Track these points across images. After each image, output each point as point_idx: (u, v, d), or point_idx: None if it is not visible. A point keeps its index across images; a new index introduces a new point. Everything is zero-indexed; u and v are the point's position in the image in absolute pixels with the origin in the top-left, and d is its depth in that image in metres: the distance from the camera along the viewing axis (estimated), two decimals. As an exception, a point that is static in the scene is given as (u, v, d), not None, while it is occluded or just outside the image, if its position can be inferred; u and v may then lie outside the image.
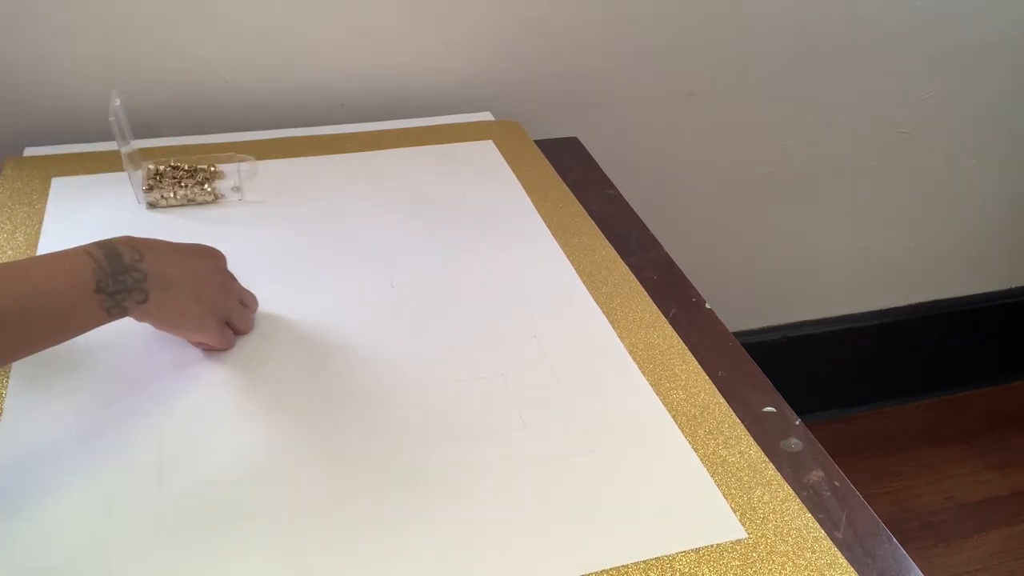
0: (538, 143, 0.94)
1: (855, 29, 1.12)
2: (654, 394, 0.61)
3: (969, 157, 1.33)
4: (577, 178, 0.88)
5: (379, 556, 0.49)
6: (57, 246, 0.70)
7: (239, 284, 0.64)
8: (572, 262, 0.75)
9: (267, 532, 0.49)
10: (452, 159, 0.89)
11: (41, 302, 0.50)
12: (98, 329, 0.62)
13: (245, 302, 0.64)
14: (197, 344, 0.62)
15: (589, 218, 0.81)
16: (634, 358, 0.65)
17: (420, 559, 0.49)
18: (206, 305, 0.59)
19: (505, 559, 0.49)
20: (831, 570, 0.50)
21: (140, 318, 0.56)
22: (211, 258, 0.62)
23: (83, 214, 0.76)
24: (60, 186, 0.79)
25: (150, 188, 0.78)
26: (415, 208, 0.80)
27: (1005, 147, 1.35)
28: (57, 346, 0.61)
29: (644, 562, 0.49)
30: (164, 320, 0.58)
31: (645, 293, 0.72)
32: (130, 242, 0.54)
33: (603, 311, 0.69)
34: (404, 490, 0.53)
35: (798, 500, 0.54)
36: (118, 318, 0.53)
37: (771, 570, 0.50)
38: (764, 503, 0.54)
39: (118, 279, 0.52)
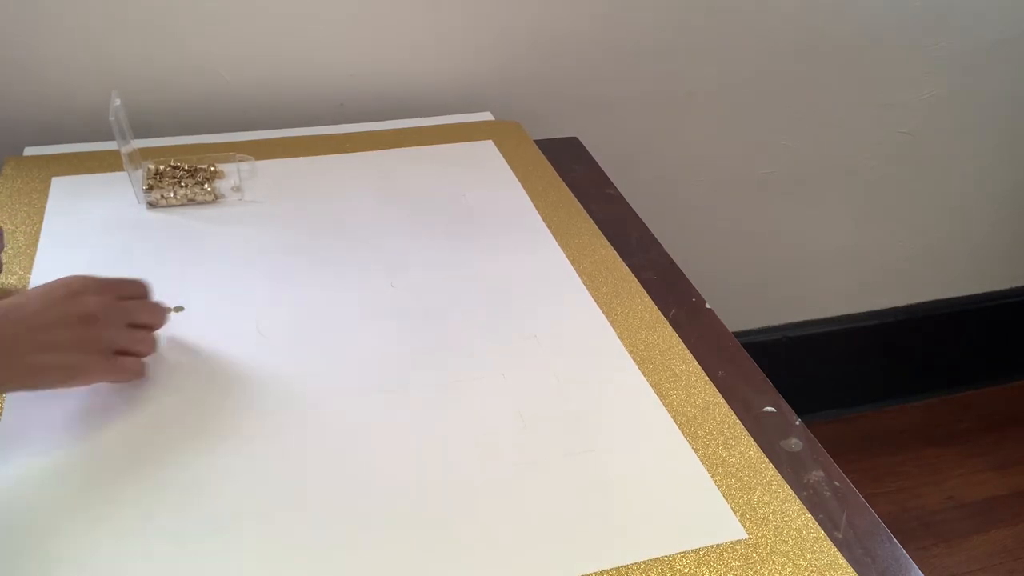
0: (538, 143, 0.94)
1: (855, 29, 1.12)
2: (654, 394, 0.61)
3: (969, 157, 1.33)
4: (577, 178, 0.88)
5: (378, 555, 0.49)
6: (57, 246, 0.71)
7: (124, 305, 0.58)
8: (572, 262, 0.75)
9: (267, 531, 0.49)
10: (452, 159, 0.89)
11: None
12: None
13: (141, 322, 0.59)
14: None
15: (589, 218, 0.81)
16: (634, 358, 0.65)
17: (419, 559, 0.49)
18: (63, 351, 0.53)
19: (505, 559, 0.49)
20: (831, 570, 0.50)
21: None
22: (61, 297, 0.55)
23: (83, 214, 0.76)
24: (60, 186, 0.79)
25: (150, 188, 0.78)
26: (415, 208, 0.80)
27: (1005, 147, 1.35)
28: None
29: (644, 562, 0.49)
30: (14, 387, 0.52)
31: (645, 293, 0.72)
32: None
33: (603, 311, 0.69)
34: (403, 490, 0.53)
35: (798, 500, 0.54)
36: None
37: (771, 570, 0.49)
38: (764, 503, 0.54)
39: None
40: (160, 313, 0.61)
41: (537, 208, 0.82)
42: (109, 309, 0.56)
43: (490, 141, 0.93)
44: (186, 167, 0.81)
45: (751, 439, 0.58)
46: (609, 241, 0.78)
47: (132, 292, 0.60)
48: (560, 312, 0.69)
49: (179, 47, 0.89)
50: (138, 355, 0.58)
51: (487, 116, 0.99)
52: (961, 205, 1.40)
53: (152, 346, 0.59)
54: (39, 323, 0.53)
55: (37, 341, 0.52)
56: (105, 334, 0.56)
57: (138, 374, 0.58)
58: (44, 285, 0.55)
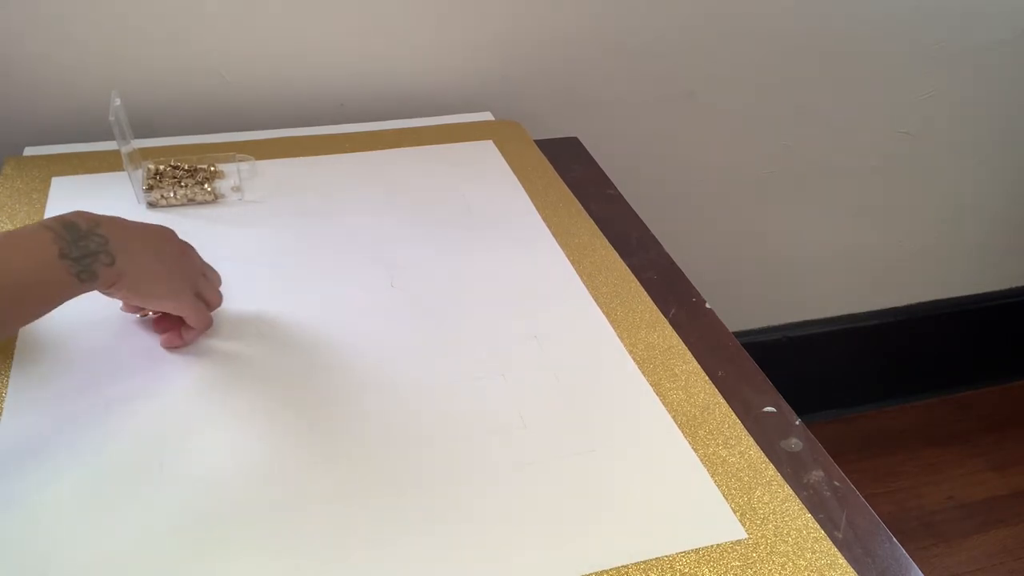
0: (538, 143, 0.94)
1: (855, 29, 1.12)
2: (654, 394, 0.61)
3: (969, 157, 1.33)
4: (577, 178, 0.88)
5: (378, 556, 0.49)
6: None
7: (200, 257, 0.64)
8: (572, 262, 0.75)
9: (266, 531, 0.49)
10: (452, 159, 0.89)
11: (6, 277, 0.49)
12: (96, 327, 0.62)
13: (208, 275, 0.64)
14: (168, 330, 0.61)
15: (589, 218, 0.81)
16: (634, 358, 0.65)
17: (420, 559, 0.49)
18: (174, 270, 0.58)
19: (505, 559, 0.49)
20: (831, 570, 0.50)
21: (110, 286, 0.54)
22: (165, 230, 0.61)
23: (83, 214, 0.76)
24: (60, 186, 0.79)
25: (150, 188, 0.78)
26: (415, 208, 0.80)
27: (1005, 147, 1.35)
28: (57, 346, 0.61)
29: (644, 562, 0.49)
30: (135, 287, 0.55)
31: (645, 293, 0.72)
32: (83, 214, 0.53)
33: (603, 311, 0.69)
34: (403, 490, 0.53)
35: (798, 500, 0.54)
36: (91, 285, 0.52)
37: (771, 570, 0.49)
38: (764, 503, 0.54)
39: (80, 244, 0.51)
40: (217, 275, 0.65)
41: (537, 208, 0.82)
42: (195, 254, 0.63)
43: (490, 141, 0.93)
44: (186, 167, 0.81)
45: (751, 439, 0.58)
46: (609, 241, 0.78)
47: None
48: (560, 312, 0.69)
49: (179, 47, 0.89)
50: (210, 304, 0.63)
51: (487, 116, 0.99)
52: (960, 205, 1.40)
53: (220, 299, 0.64)
54: (156, 239, 0.59)
55: (157, 251, 0.58)
56: (196, 272, 0.61)
57: (208, 324, 0.62)
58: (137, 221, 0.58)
